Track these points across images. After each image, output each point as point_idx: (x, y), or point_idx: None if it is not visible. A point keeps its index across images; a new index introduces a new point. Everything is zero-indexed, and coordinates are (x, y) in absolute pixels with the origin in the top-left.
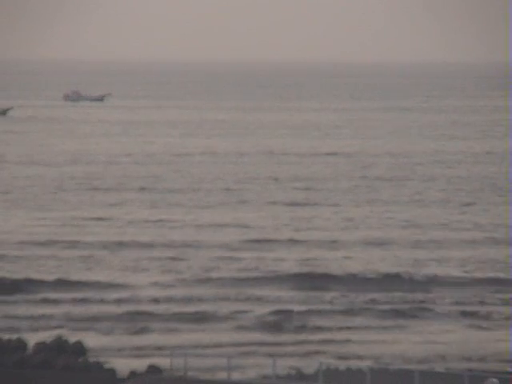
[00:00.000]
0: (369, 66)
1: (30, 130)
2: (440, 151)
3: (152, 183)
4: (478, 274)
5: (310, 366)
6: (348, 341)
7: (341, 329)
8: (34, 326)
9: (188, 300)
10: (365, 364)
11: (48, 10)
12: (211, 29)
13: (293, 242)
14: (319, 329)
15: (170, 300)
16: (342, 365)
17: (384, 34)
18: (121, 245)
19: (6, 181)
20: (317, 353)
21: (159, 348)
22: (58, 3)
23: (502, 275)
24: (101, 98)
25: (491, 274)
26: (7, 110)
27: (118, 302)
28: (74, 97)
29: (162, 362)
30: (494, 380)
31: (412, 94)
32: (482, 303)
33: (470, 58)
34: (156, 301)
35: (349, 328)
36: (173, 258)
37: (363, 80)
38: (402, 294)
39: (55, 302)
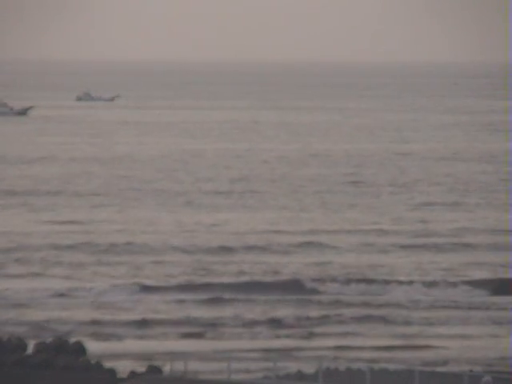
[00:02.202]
0: (369, 66)
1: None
2: (440, 151)
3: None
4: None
5: (310, 366)
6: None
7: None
8: None
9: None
10: (365, 364)
11: (54, 12)
12: (214, 29)
13: (294, 245)
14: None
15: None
16: (342, 365)
17: (383, 34)
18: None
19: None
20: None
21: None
22: (63, 4)
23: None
24: (111, 99)
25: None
26: (28, 109)
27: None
28: (86, 98)
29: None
30: (489, 378)
31: (410, 94)
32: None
33: (469, 57)
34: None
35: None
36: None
37: (364, 80)
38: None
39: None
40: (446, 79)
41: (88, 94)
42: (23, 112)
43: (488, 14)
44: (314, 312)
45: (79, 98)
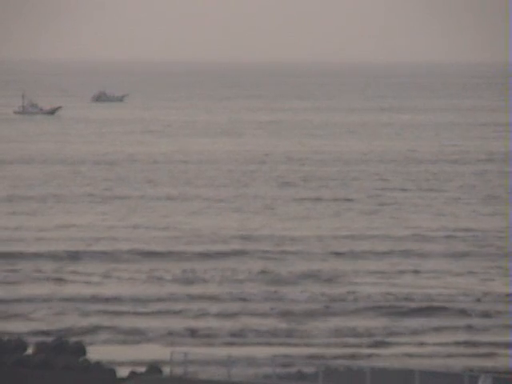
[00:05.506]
0: (368, 66)
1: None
2: (438, 152)
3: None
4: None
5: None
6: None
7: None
8: None
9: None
10: (365, 364)
11: (54, 12)
12: (218, 29)
13: (294, 251)
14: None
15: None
16: (342, 365)
17: (383, 34)
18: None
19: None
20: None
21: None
22: (63, 4)
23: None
24: (121, 99)
25: None
26: (56, 109)
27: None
28: (103, 98)
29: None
30: (487, 374)
31: (409, 95)
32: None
33: (469, 58)
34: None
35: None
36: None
37: (364, 80)
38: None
39: None
40: (446, 79)
41: (104, 93)
42: (52, 112)
43: (488, 14)
44: None
45: (96, 98)
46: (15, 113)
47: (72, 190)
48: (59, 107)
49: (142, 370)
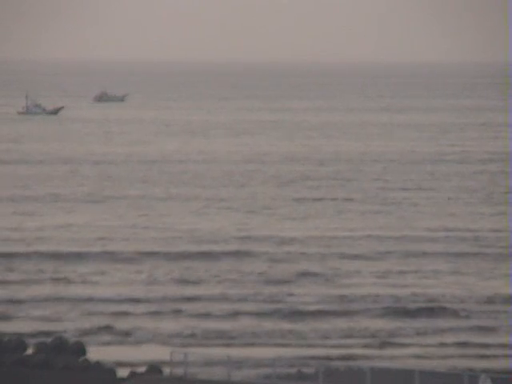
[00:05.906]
0: (368, 66)
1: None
2: (438, 152)
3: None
4: None
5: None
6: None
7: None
8: None
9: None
10: (365, 364)
11: (53, 12)
12: (217, 29)
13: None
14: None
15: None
16: (342, 365)
17: (383, 34)
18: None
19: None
20: None
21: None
22: (62, 3)
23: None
24: (122, 99)
25: None
26: (59, 109)
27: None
28: (105, 98)
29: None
30: (487, 374)
31: (409, 94)
32: None
33: (469, 58)
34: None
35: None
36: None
37: (365, 80)
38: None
39: None
40: (446, 79)
41: (105, 93)
42: (55, 112)
43: (488, 14)
44: None
45: (98, 98)
46: (19, 113)
47: (72, 189)
48: (62, 107)
49: (142, 370)
